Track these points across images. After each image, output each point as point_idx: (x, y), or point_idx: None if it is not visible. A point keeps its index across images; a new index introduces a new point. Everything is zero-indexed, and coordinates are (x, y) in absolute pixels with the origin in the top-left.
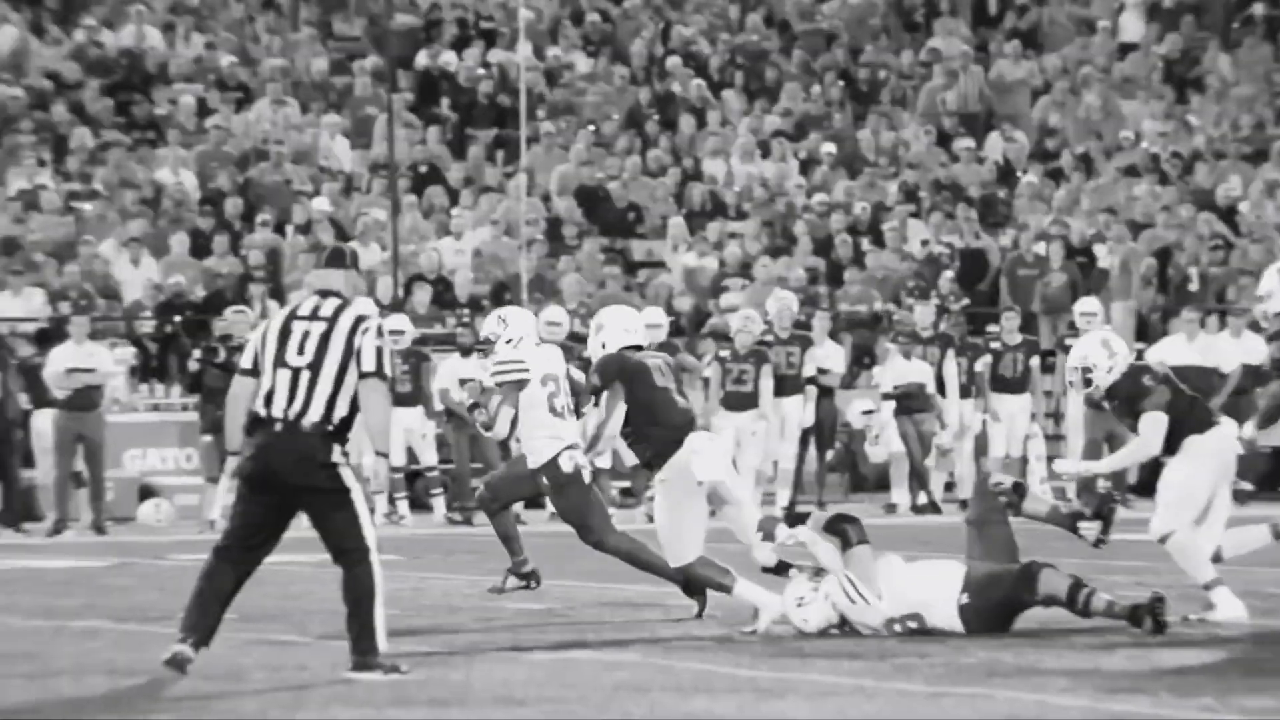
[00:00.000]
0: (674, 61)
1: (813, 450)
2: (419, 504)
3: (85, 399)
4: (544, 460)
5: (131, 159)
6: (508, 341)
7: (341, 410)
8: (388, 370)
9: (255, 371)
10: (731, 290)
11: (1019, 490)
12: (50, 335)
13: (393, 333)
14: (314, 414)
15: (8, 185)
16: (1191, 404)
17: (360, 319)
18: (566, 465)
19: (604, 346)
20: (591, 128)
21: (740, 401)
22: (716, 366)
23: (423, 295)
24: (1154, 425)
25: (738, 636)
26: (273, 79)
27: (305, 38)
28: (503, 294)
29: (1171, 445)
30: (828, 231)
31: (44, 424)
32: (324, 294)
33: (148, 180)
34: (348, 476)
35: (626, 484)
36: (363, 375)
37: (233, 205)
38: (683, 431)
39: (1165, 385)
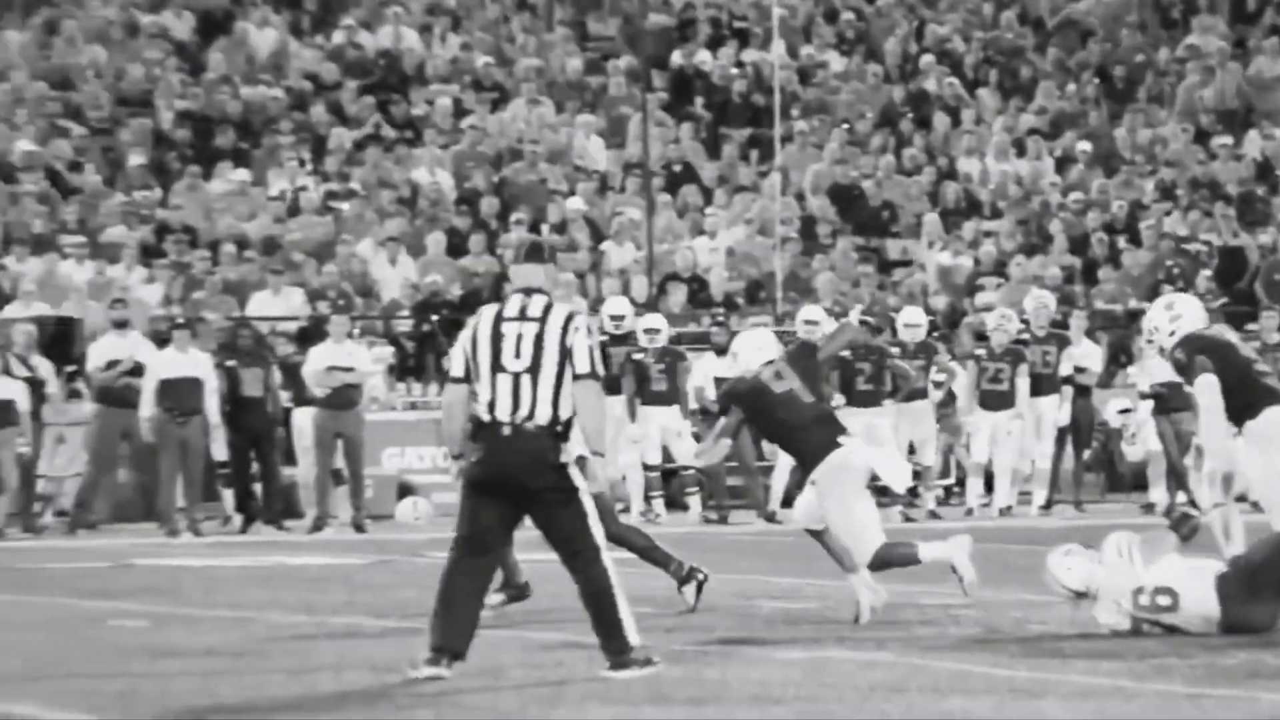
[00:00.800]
0: (928, 60)
1: (1069, 449)
2: (675, 503)
3: (344, 397)
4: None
5: (389, 159)
6: None
7: (565, 410)
8: (600, 370)
9: (466, 378)
10: (987, 289)
11: None
12: (310, 334)
13: (648, 331)
14: (540, 416)
15: (268, 186)
16: (1241, 380)
17: (570, 317)
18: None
19: (745, 373)
20: (845, 126)
21: (996, 400)
22: (973, 366)
23: (677, 294)
24: (1205, 389)
25: (994, 636)
26: (528, 79)
27: (560, 38)
28: (757, 293)
29: (1236, 423)
30: (1083, 230)
31: (304, 422)
32: (527, 292)
33: (404, 180)
34: (576, 476)
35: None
36: (576, 377)
37: (488, 204)
38: (825, 427)
39: (1205, 356)
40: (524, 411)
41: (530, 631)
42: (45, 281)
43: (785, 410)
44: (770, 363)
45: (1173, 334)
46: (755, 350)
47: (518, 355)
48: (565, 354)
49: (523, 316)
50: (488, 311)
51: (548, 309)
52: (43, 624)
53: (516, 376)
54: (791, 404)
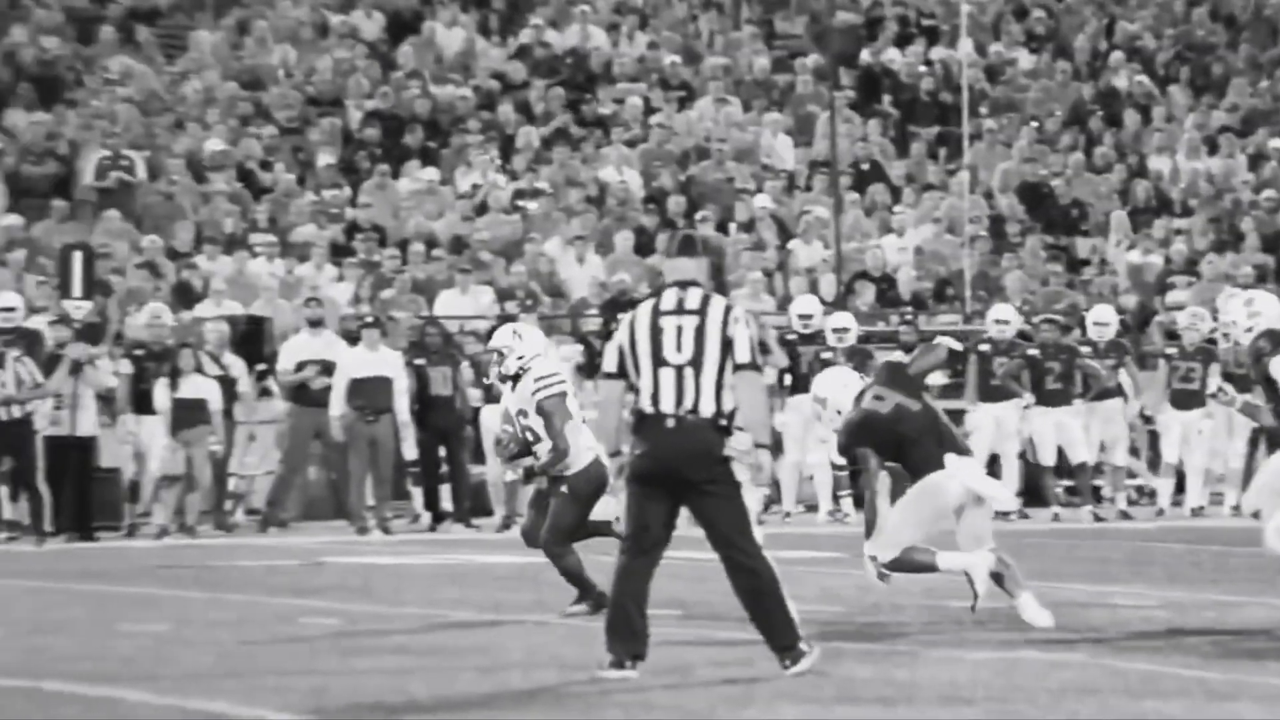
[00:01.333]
0: (1118, 57)
1: (1262, 449)
2: (863, 501)
3: None
4: (579, 468)
5: (576, 158)
6: (519, 358)
7: (729, 403)
8: (760, 361)
9: (622, 374)
10: (1178, 287)
11: None
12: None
13: (836, 330)
14: (704, 409)
15: (456, 184)
16: None
17: (729, 309)
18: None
19: (839, 413)
20: (1034, 124)
21: (1187, 400)
22: (1164, 365)
23: (866, 293)
24: None
25: (1186, 637)
26: (715, 77)
27: (747, 36)
28: (945, 291)
29: None
30: (1276, 228)
31: (493, 421)
32: (682, 285)
33: (592, 179)
34: (739, 472)
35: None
36: (737, 368)
37: (675, 203)
38: (935, 443)
39: None
40: (688, 404)
41: (718, 630)
42: (236, 280)
43: (900, 424)
44: (863, 393)
45: (1249, 330)
46: (840, 389)
47: (679, 348)
48: (726, 346)
49: (680, 310)
50: (644, 306)
51: (706, 301)
52: (234, 621)
53: (679, 369)
54: (903, 417)
